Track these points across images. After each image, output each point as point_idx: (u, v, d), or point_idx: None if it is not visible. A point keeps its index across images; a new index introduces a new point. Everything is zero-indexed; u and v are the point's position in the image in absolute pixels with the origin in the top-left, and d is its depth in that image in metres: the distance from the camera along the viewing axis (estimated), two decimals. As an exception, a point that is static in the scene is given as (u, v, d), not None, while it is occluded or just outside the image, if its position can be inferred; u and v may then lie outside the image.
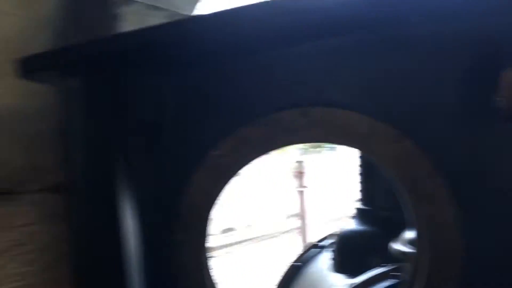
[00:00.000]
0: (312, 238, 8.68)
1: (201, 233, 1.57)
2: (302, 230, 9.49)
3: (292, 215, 11.57)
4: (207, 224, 1.57)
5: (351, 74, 1.48)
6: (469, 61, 1.46)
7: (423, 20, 1.40)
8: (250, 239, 12.30)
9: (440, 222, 1.48)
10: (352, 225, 2.58)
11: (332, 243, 2.71)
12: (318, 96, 1.48)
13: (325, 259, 2.73)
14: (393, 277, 1.87)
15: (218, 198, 1.55)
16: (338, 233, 2.61)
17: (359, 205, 2.59)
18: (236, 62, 1.49)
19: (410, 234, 1.74)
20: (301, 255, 3.05)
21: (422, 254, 1.51)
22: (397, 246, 1.94)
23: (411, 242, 1.72)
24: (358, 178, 2.62)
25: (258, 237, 12.45)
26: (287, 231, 12.23)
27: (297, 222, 10.08)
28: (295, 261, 3.02)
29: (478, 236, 1.47)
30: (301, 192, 9.52)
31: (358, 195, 2.62)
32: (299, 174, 9.52)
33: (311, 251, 3.05)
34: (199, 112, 1.51)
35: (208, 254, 1.62)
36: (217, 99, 1.51)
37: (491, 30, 1.44)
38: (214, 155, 1.49)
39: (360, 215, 2.55)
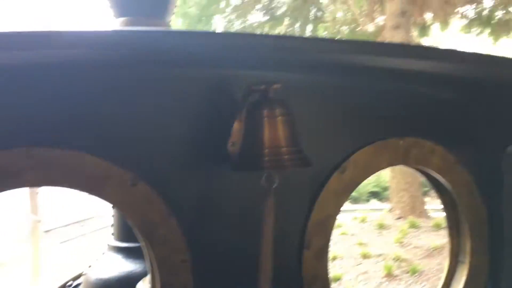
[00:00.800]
0: None
1: None
2: None
3: None
4: None
5: (84, 113, 1.39)
6: (202, 109, 1.52)
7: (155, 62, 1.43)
8: None
9: (172, 264, 1.48)
10: (104, 263, 2.29)
11: (79, 284, 2.43)
12: (47, 135, 1.33)
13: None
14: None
15: None
16: (87, 272, 2.32)
17: (113, 241, 2.32)
18: None
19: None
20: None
21: None
22: (140, 286, 1.86)
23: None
24: (112, 212, 2.37)
25: None
26: None
27: None
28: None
29: (207, 277, 1.54)
30: None
31: (112, 230, 2.38)
32: None
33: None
34: None
35: None
36: None
37: (226, 79, 1.54)
38: None
39: (115, 251, 2.28)
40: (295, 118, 1.46)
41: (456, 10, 14.10)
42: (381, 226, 10.71)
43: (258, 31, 14.66)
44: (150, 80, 1.47)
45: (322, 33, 14.89)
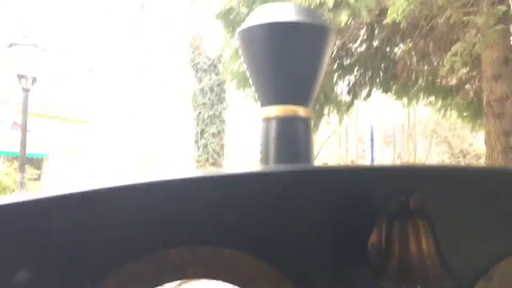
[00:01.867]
0: None
1: None
2: None
3: None
4: None
5: (237, 216, 1.52)
6: (345, 211, 1.56)
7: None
8: None
9: None
10: None
11: None
12: (207, 235, 1.50)
13: None
14: None
15: None
16: None
17: None
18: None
19: None
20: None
21: None
22: None
23: None
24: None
25: None
26: None
27: None
28: None
29: None
30: None
31: None
32: None
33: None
34: (79, 247, 1.32)
35: None
36: (99, 232, 1.36)
37: (363, 180, 1.58)
38: None
39: None
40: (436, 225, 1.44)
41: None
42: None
43: (325, 80, 13.52)
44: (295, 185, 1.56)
45: (394, 85, 13.59)
